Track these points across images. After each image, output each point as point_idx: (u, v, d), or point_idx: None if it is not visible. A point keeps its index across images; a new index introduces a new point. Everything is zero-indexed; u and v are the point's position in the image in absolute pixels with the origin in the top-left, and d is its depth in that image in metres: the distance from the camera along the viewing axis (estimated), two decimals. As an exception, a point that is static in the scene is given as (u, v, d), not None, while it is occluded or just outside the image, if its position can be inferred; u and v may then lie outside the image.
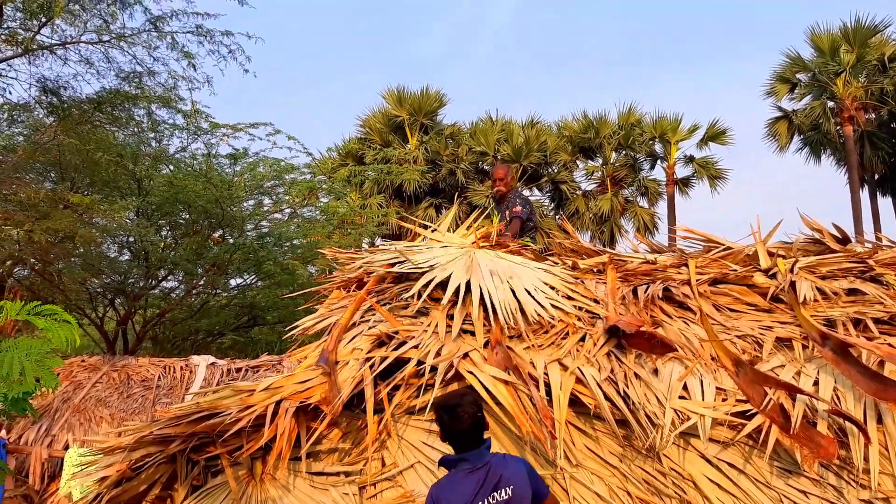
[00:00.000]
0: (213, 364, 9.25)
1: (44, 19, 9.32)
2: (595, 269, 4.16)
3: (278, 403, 3.05)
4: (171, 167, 12.92)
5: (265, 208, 14.64)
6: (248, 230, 13.89)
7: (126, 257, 13.74)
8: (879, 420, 3.03)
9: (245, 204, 14.09)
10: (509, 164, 8.11)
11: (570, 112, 36.78)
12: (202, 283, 14.13)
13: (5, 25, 9.31)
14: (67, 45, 10.03)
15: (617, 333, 3.31)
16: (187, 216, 13.16)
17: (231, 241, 13.42)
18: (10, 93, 10.83)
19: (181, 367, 8.89)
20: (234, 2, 9.80)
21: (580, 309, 3.69)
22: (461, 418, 2.63)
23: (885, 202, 26.15)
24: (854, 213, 23.13)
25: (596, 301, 3.71)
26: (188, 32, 9.94)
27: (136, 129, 11.58)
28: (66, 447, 7.58)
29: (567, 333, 3.50)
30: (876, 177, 25.36)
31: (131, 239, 12.90)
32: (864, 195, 24.64)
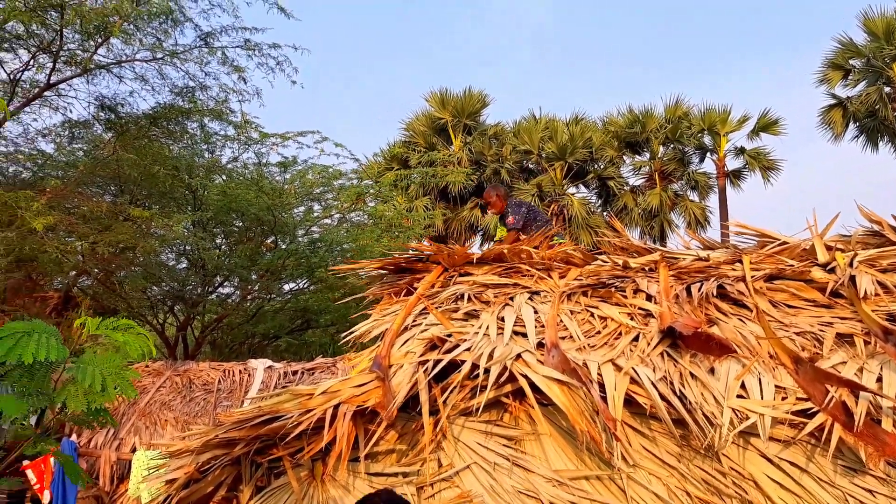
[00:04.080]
0: (270, 367, 9.47)
1: (100, 40, 9.72)
2: (646, 268, 4.14)
3: (336, 407, 3.14)
4: (224, 177, 13.29)
5: (315, 214, 14.93)
6: (300, 236, 14.18)
7: (183, 265, 14.20)
8: (948, 417, 2.93)
9: (295, 210, 14.40)
10: (496, 184, 8.28)
11: (616, 107, 36.27)
12: (257, 288, 14.49)
13: (66, 47, 9.73)
14: (123, 64, 10.43)
15: (672, 334, 3.29)
16: (241, 224, 13.52)
17: (283, 247, 13.73)
18: (71, 111, 11.36)
19: (240, 371, 9.14)
20: (281, 15, 10.03)
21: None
22: None
23: (950, 188, 25.01)
24: (917, 201, 22.20)
25: (649, 298, 3.69)
26: (237, 47, 10.24)
27: (189, 142, 11.97)
28: (134, 450, 7.88)
29: (620, 333, 3.49)
30: (940, 162, 24.28)
31: (188, 248, 13.32)
32: (928, 181, 23.62)
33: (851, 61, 23.41)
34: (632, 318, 3.59)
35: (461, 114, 26.01)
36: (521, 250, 4.26)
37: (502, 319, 3.55)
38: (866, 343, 3.37)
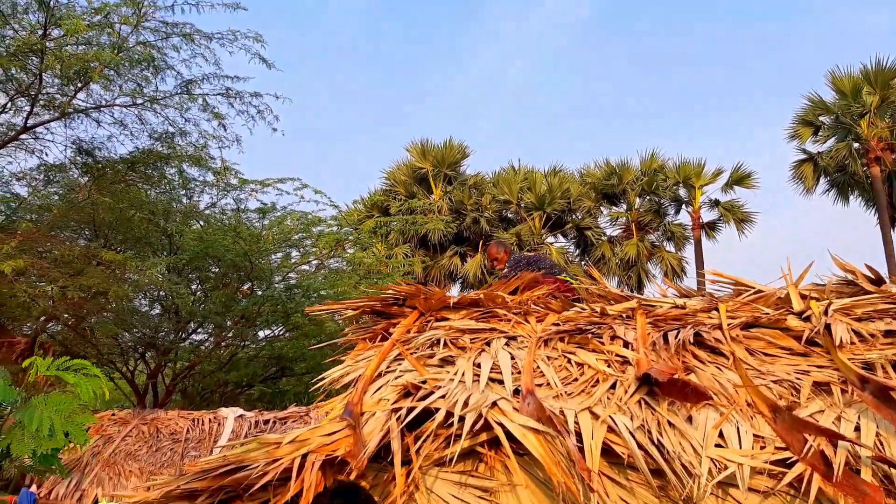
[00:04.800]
0: (240, 416, 9.24)
1: (80, 84, 9.72)
2: (623, 315, 4.11)
3: (304, 456, 3.02)
4: (202, 223, 13.20)
5: (293, 260, 14.84)
6: (276, 282, 14.06)
7: (157, 311, 13.96)
8: (927, 467, 2.90)
9: (273, 256, 14.31)
10: (503, 241, 8.26)
11: (593, 160, 36.97)
12: (231, 335, 14.26)
13: (44, 91, 9.71)
14: (102, 108, 10.42)
15: (649, 381, 3.25)
16: (217, 270, 13.37)
17: (260, 293, 13.58)
18: (47, 154, 11.26)
19: (209, 420, 8.90)
20: (263, 66, 10.14)
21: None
22: None
23: (918, 242, 25.64)
24: (886, 252, 22.69)
25: (626, 345, 3.65)
26: (218, 94, 10.29)
27: (167, 187, 11.92)
28: (96, 502, 7.57)
29: (597, 381, 3.44)
30: (907, 216, 24.93)
31: (162, 293, 13.11)
32: (897, 235, 24.22)
33: (821, 118, 24.19)
34: (609, 366, 3.55)
35: (441, 164, 26.32)
36: (498, 295, 4.22)
37: (478, 366, 3.48)
38: (843, 391, 3.35)
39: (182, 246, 12.45)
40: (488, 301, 4.16)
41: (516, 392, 3.34)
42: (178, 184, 11.84)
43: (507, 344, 3.73)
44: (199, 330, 14.57)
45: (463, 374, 3.37)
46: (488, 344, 3.72)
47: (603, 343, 3.73)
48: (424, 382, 3.34)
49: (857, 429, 3.12)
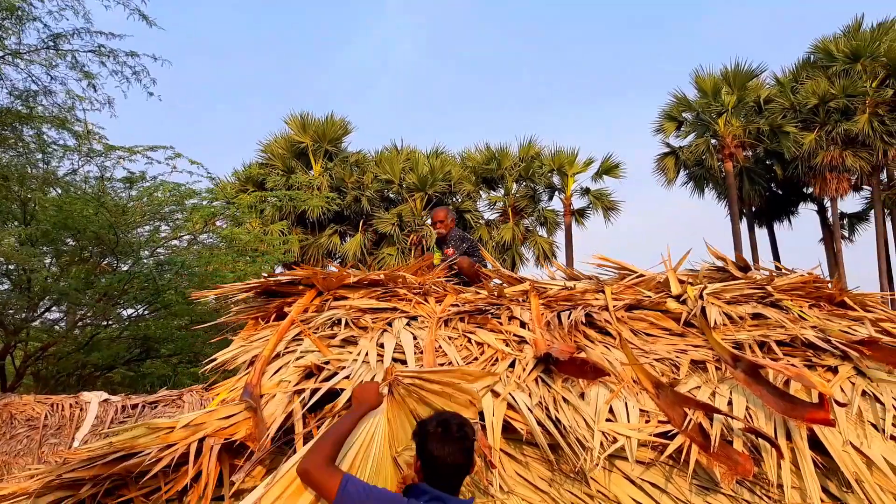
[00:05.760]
0: (106, 401, 8.63)
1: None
2: (519, 298, 4.24)
3: (201, 441, 2.88)
4: (60, 191, 12.11)
5: (163, 235, 13.98)
6: (145, 257, 13.20)
7: (5, 287, 12.71)
8: (788, 437, 3.22)
9: (141, 230, 13.41)
10: (448, 206, 8.08)
11: (474, 144, 37.68)
12: (90, 314, 13.25)
13: None
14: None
15: (548, 360, 3.37)
16: (74, 243, 12.35)
17: (125, 268, 12.70)
18: None
19: (71, 405, 8.24)
20: (142, 23, 9.41)
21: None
22: (463, 451, 2.29)
23: (761, 233, 28.34)
24: (735, 243, 24.85)
25: (523, 325, 3.77)
26: (89, 51, 9.44)
27: (23, 150, 10.80)
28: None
29: (496, 360, 3.53)
30: (753, 209, 27.41)
31: (11, 266, 11.95)
32: (743, 226, 26.59)
33: (684, 114, 25.96)
34: (507, 345, 3.65)
35: (322, 139, 25.73)
36: (398, 275, 4.21)
37: (382, 346, 3.46)
38: (717, 369, 3.64)
39: (37, 215, 11.37)
40: (389, 280, 4.14)
41: (420, 372, 3.36)
42: (36, 147, 10.77)
43: (408, 324, 3.74)
44: (53, 308, 13.42)
45: (367, 355, 3.34)
46: (390, 324, 3.70)
47: (501, 323, 3.83)
48: (328, 363, 3.28)
49: (730, 403, 3.41)
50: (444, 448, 2.26)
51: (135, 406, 8.71)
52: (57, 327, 13.82)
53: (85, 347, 13.59)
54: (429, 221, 26.13)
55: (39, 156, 11.19)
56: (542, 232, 27.66)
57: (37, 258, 11.08)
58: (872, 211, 25.64)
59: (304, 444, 3.09)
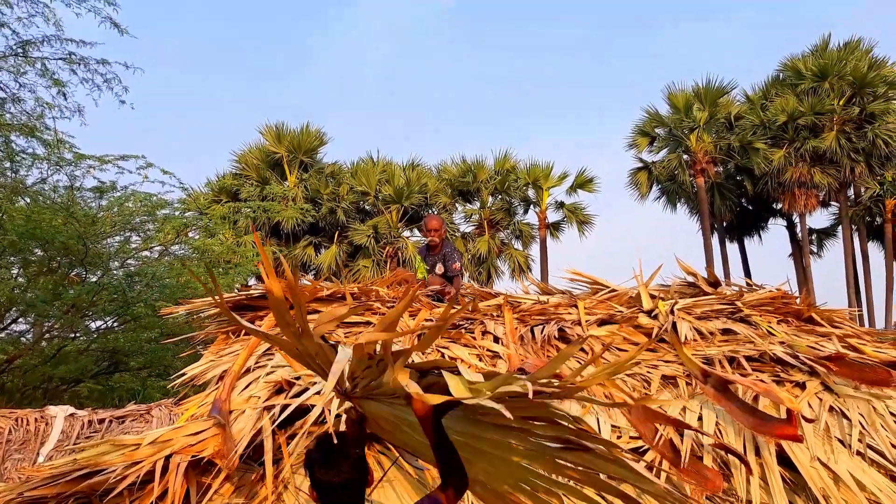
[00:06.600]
0: (72, 415, 8.42)
1: None
2: (493, 313, 4.24)
3: (168, 458, 2.83)
4: (28, 200, 11.87)
5: (133, 246, 13.76)
6: (115, 269, 12.98)
7: (-31, 298, 12.38)
8: (757, 452, 3.25)
9: (111, 241, 13.18)
10: (441, 215, 7.95)
11: (450, 156, 37.79)
12: (57, 326, 12.97)
13: None
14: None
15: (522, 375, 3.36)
16: (42, 253, 12.09)
17: (94, 279, 12.47)
18: None
19: (35, 419, 8.03)
20: (114, 31, 9.31)
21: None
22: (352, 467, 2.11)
23: (732, 247, 28.77)
24: (707, 258, 25.19)
25: (497, 340, 3.77)
26: (60, 59, 9.31)
27: (-9, 159, 10.60)
28: None
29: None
30: (724, 224, 27.84)
31: (-25, 277, 11.68)
32: (715, 241, 26.97)
33: (657, 130, 26.33)
34: (480, 360, 3.64)
35: (298, 150, 25.61)
36: (372, 289, 4.19)
37: (353, 361, 3.43)
38: (688, 384, 3.68)
39: (4, 225, 11.11)
40: (362, 294, 4.12)
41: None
42: (4, 155, 10.56)
43: (380, 339, 3.71)
44: (20, 319, 13.11)
45: (338, 370, 3.30)
46: (362, 339, 3.68)
47: (475, 338, 3.83)
48: (299, 378, 3.24)
49: (700, 419, 3.44)
50: (330, 471, 2.14)
51: (102, 421, 8.51)
52: (23, 339, 13.52)
53: (52, 360, 13.29)
54: (406, 233, 26.11)
55: (8, 164, 10.99)
56: (518, 245, 27.77)
57: (3, 268, 10.84)
58: (840, 227, 26.18)
59: (273, 461, 3.05)
